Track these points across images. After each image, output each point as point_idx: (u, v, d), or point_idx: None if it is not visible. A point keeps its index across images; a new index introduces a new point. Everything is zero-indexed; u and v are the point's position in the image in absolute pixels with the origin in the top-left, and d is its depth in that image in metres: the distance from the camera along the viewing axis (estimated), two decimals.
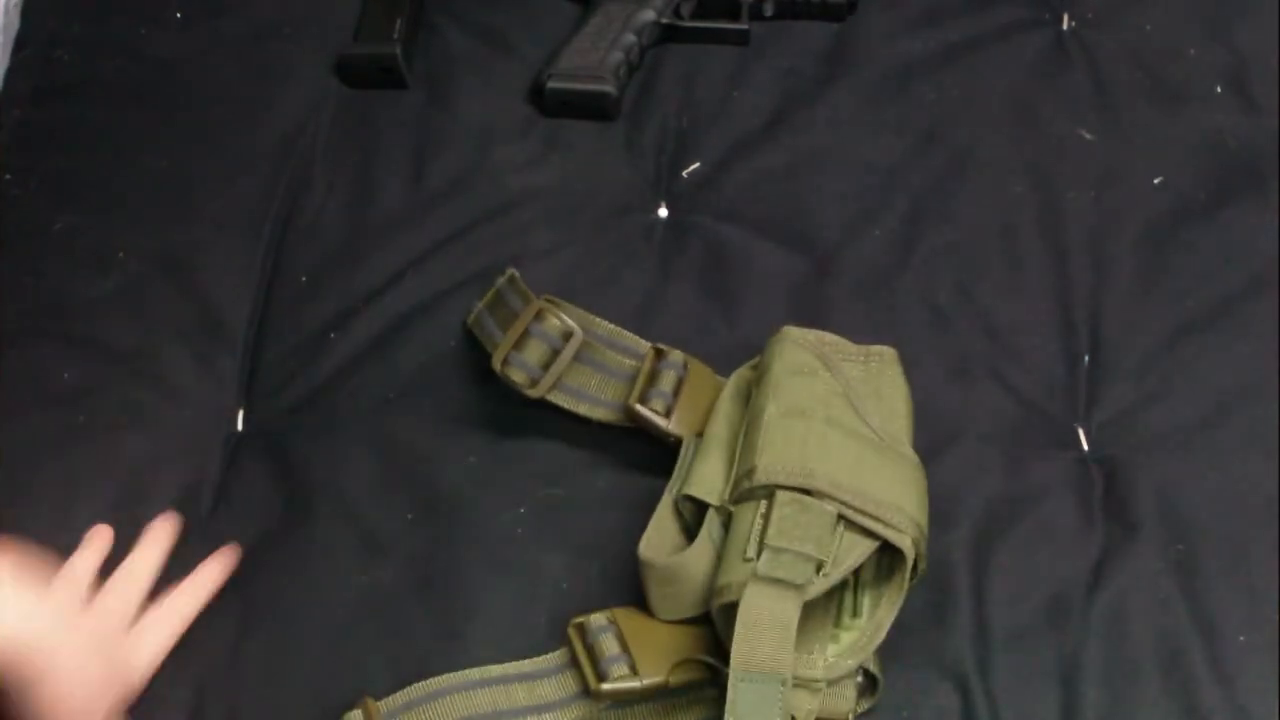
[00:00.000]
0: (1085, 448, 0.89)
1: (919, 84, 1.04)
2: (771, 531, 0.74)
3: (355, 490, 0.88)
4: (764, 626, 0.70)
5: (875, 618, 0.76)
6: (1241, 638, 0.80)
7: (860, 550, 0.74)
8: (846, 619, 0.77)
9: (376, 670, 0.81)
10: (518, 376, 0.86)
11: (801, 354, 0.82)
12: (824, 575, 0.73)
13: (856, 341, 0.91)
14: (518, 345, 0.86)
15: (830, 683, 0.75)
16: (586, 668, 0.76)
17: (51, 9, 1.11)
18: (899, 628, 0.81)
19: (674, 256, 0.97)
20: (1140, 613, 0.81)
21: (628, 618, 0.78)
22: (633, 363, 0.88)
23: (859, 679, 0.77)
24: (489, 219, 0.99)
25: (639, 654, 0.76)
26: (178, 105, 1.06)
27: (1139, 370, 0.91)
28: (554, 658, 0.79)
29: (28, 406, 0.91)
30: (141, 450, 0.90)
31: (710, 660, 0.76)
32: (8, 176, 1.02)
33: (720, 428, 0.82)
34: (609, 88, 1.03)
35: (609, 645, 0.77)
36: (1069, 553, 0.84)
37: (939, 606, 0.82)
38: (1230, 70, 1.03)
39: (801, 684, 0.74)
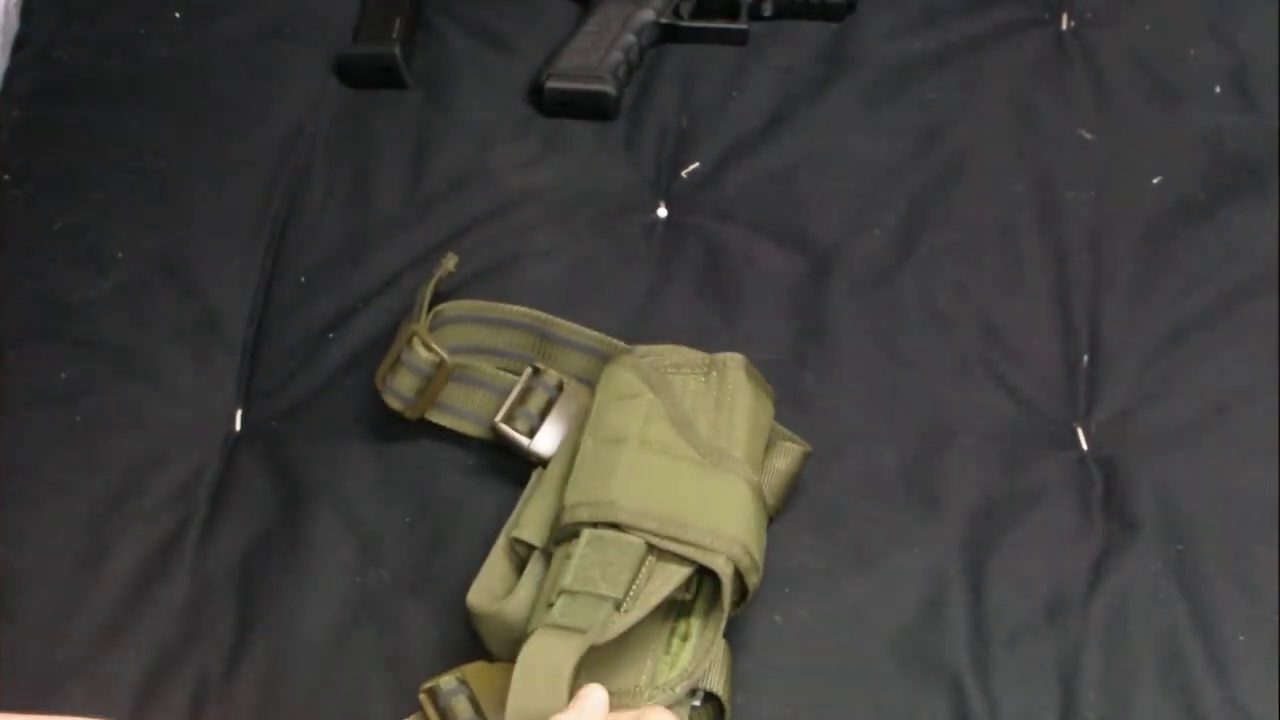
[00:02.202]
0: (1085, 447, 0.89)
1: (919, 84, 1.04)
2: (568, 577, 0.74)
3: (353, 491, 0.88)
4: (537, 676, 0.69)
5: (704, 639, 0.76)
6: (1241, 637, 0.80)
7: (674, 578, 0.74)
8: (677, 643, 0.76)
9: (374, 672, 0.81)
10: (393, 403, 0.87)
11: (626, 377, 0.82)
12: (625, 611, 0.72)
13: (856, 343, 0.92)
14: (392, 371, 0.87)
15: None
16: None
17: (51, 9, 1.11)
18: (898, 627, 0.81)
19: (673, 257, 0.97)
20: (1140, 612, 0.81)
21: (478, 675, 0.76)
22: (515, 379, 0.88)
23: (696, 703, 0.75)
24: (488, 219, 0.99)
25: (492, 713, 0.74)
26: (178, 105, 1.06)
27: (1139, 370, 0.91)
28: None
29: (26, 406, 0.91)
30: (139, 450, 0.89)
31: None
32: (7, 176, 1.02)
33: (563, 459, 0.82)
34: (608, 88, 1.03)
35: (461, 709, 0.75)
36: (1068, 552, 0.84)
37: (938, 606, 0.82)
38: (1230, 70, 1.03)
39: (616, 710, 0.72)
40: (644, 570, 0.74)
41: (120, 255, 0.98)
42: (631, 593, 0.73)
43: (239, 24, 1.09)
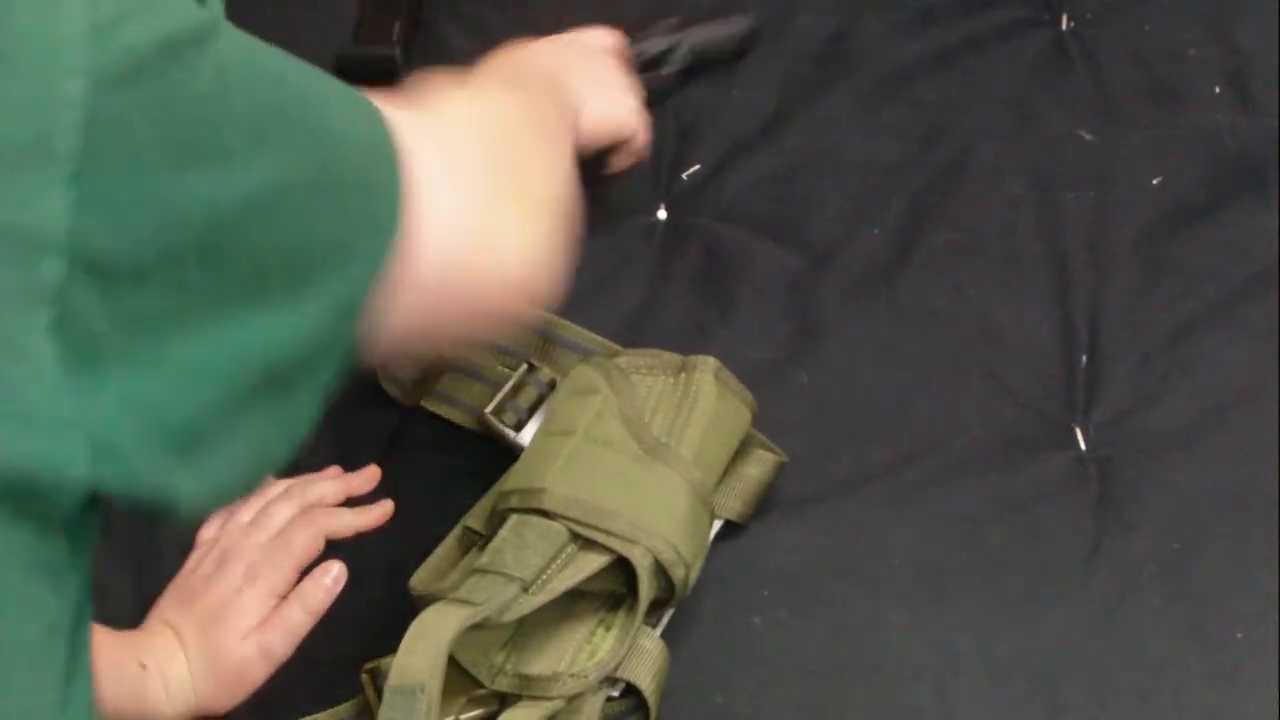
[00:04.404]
0: (1083, 447, 0.88)
1: (918, 84, 1.04)
2: (484, 556, 0.75)
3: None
4: (418, 640, 0.70)
5: (624, 631, 0.76)
6: (1241, 637, 0.80)
7: (589, 565, 0.74)
8: (601, 632, 0.77)
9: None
10: (390, 389, 0.87)
11: (589, 375, 0.82)
12: (531, 594, 0.73)
13: (854, 343, 0.92)
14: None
15: (570, 699, 0.74)
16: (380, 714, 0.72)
17: None
18: (893, 627, 0.81)
19: (673, 258, 0.97)
20: (1139, 612, 0.81)
21: None
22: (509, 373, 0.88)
23: (614, 693, 0.76)
24: None
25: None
26: None
27: (1138, 370, 0.90)
28: (348, 707, 0.78)
29: None
30: None
31: (502, 690, 0.75)
32: None
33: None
34: None
35: None
36: (1067, 552, 0.83)
37: (933, 607, 0.82)
38: (1230, 70, 1.03)
39: (530, 699, 0.73)
40: (562, 557, 0.75)
41: None
42: (544, 577, 0.74)
43: (238, 24, 1.09)
